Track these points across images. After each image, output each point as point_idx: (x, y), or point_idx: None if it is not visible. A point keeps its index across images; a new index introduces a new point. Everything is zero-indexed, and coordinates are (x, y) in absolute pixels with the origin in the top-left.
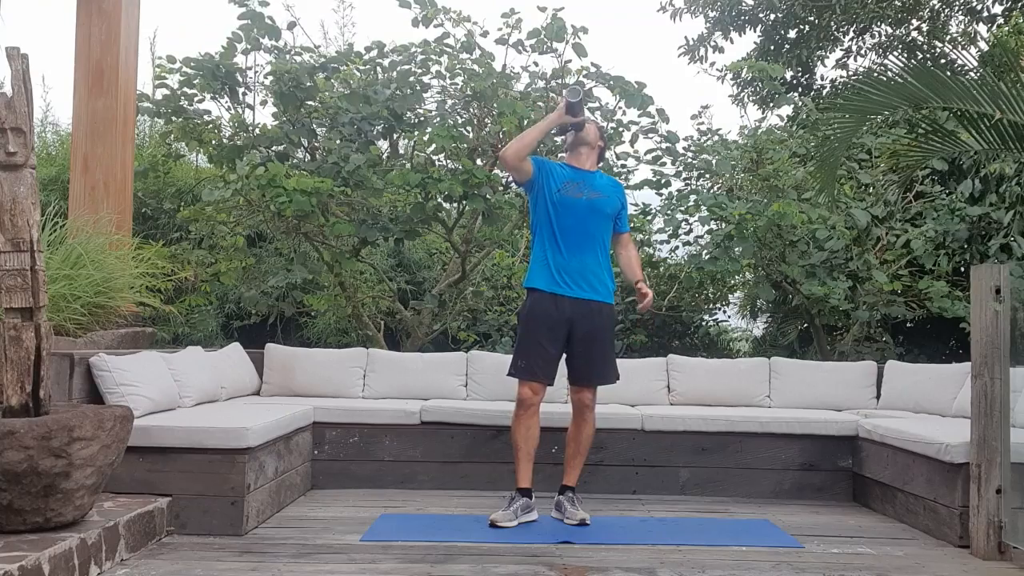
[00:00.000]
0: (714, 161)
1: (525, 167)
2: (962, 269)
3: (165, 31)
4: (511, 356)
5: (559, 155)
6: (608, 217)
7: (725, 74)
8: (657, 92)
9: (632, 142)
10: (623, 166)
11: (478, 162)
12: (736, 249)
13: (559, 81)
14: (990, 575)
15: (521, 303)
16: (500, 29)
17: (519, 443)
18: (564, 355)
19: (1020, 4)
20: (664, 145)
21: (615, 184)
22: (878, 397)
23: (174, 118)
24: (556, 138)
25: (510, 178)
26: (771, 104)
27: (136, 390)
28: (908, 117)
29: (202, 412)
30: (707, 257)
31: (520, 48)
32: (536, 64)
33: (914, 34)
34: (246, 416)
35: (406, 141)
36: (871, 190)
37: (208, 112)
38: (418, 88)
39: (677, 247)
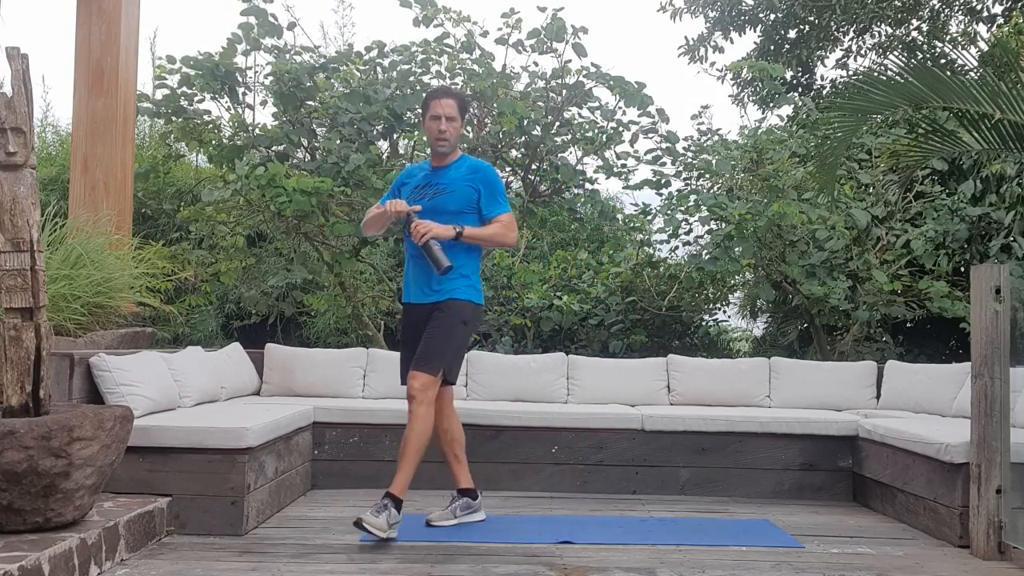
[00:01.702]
0: (714, 161)
1: (380, 226)
2: (962, 269)
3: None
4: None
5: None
6: (455, 213)
7: (725, 74)
8: (657, 92)
9: (632, 142)
10: (623, 166)
11: None
12: (736, 249)
13: (559, 81)
14: (990, 575)
15: (470, 308)
16: (500, 29)
17: (443, 448)
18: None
19: (1020, 4)
20: (664, 145)
21: (476, 168)
22: (878, 397)
23: (174, 118)
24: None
25: (510, 178)
26: (771, 104)
27: (136, 390)
28: (908, 117)
29: (202, 412)
30: (707, 257)
31: (520, 48)
32: (536, 64)
33: (914, 34)
34: (246, 416)
35: (406, 141)
36: (871, 190)
37: (208, 112)
38: (418, 88)
39: (677, 247)
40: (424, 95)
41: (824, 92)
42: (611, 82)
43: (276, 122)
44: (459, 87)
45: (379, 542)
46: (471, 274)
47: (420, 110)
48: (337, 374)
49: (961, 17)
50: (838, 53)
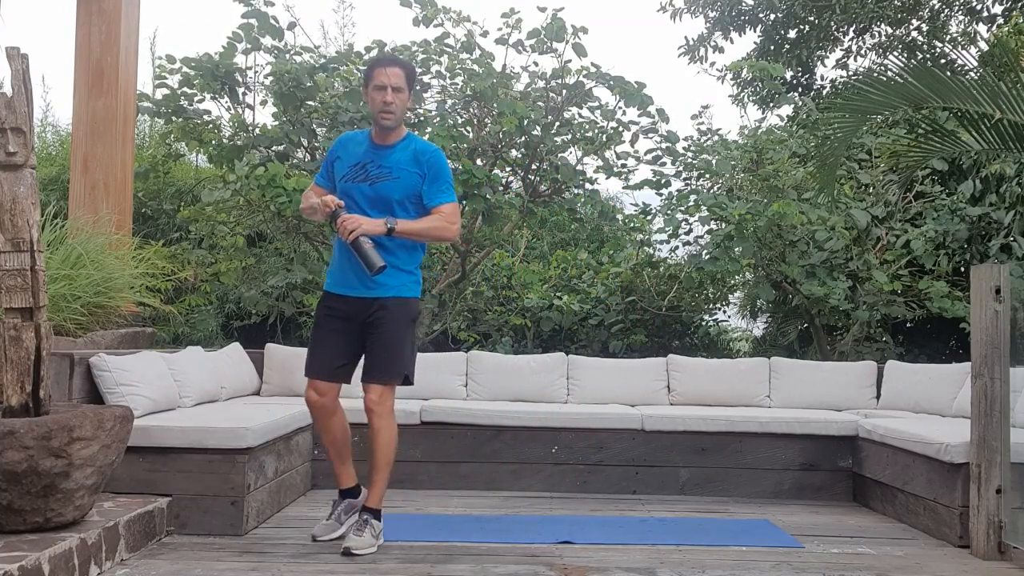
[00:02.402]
0: (714, 161)
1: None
2: (962, 269)
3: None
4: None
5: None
6: (400, 203)
7: (725, 74)
8: (657, 92)
9: (632, 142)
10: (623, 166)
11: (478, 162)
12: (736, 249)
13: (559, 81)
14: (990, 575)
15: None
16: (500, 29)
17: (326, 444)
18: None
19: (1020, 4)
20: (664, 145)
21: (423, 151)
22: (878, 397)
23: (174, 118)
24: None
25: (510, 178)
26: (771, 104)
27: (136, 390)
28: (908, 117)
29: (202, 412)
30: (707, 257)
31: (520, 48)
32: (536, 64)
33: (914, 34)
34: (246, 416)
35: None
36: (871, 190)
37: (208, 112)
38: (418, 88)
39: (677, 247)
40: (367, 66)
41: (824, 92)
42: (611, 82)
43: (276, 122)
44: (459, 87)
45: (386, 542)
46: (415, 269)
47: (364, 83)
48: None
49: (961, 17)
50: (838, 53)
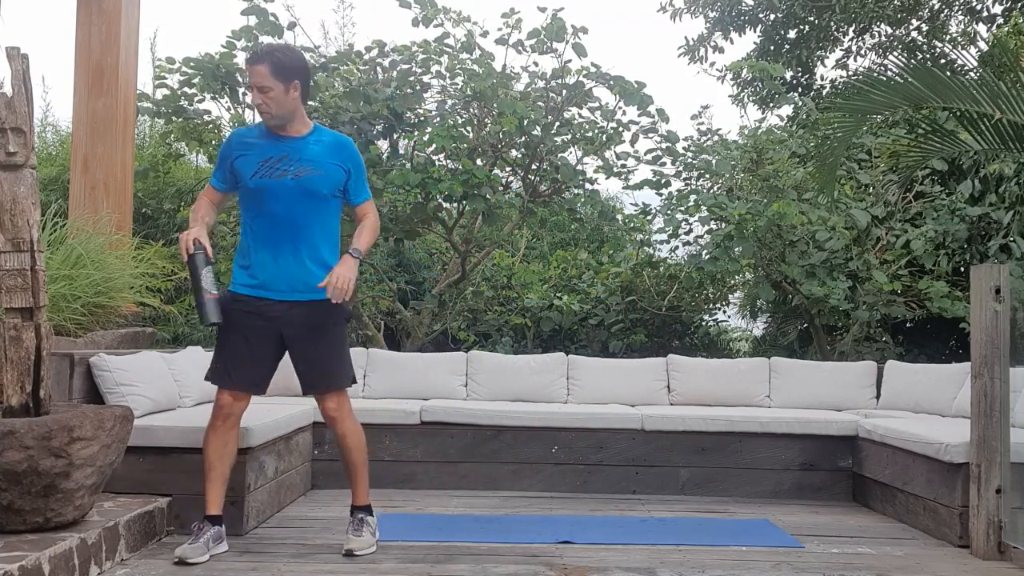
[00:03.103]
0: (714, 161)
1: (218, 199)
2: (962, 269)
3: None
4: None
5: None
6: (327, 197)
7: (725, 74)
8: (657, 92)
9: (632, 142)
10: (623, 166)
11: (478, 162)
12: (736, 249)
13: (559, 81)
14: (990, 575)
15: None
16: (500, 29)
17: (213, 461)
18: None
19: (1020, 4)
20: (664, 145)
21: (342, 145)
22: (878, 397)
23: (174, 118)
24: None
25: (510, 178)
26: (771, 104)
27: (136, 390)
28: (908, 117)
29: (202, 412)
30: (707, 257)
31: (520, 48)
32: (536, 64)
33: (914, 34)
34: (246, 416)
35: (406, 141)
36: (871, 190)
37: (208, 112)
38: (418, 88)
39: (677, 247)
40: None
41: (824, 92)
42: (611, 82)
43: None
44: (459, 87)
45: (378, 541)
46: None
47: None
48: None
49: (961, 17)
50: (838, 53)
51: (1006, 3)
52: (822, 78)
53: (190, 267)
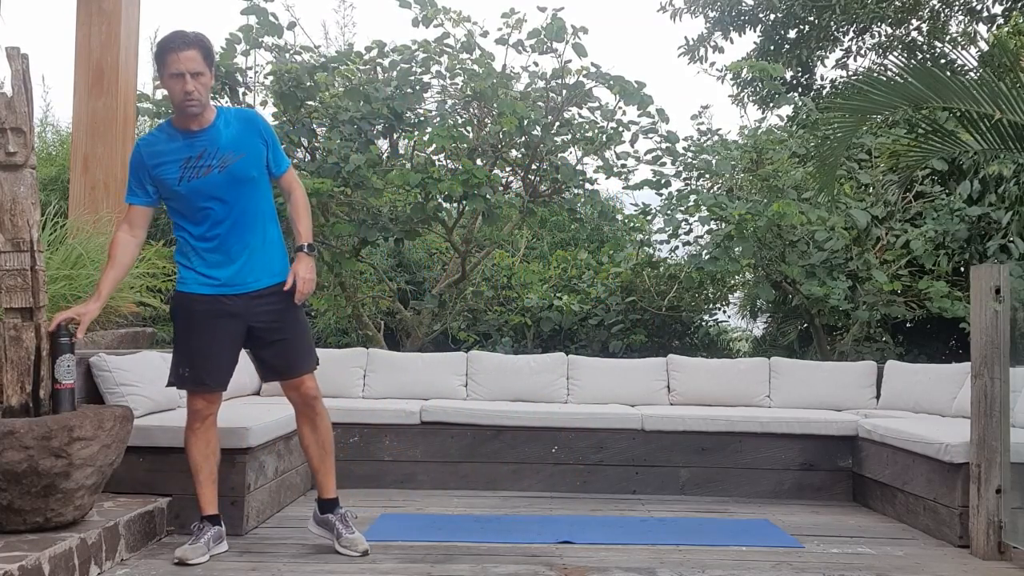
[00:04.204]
0: (714, 161)
1: (143, 216)
2: (962, 269)
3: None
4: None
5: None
6: (257, 179)
7: (725, 74)
8: (657, 92)
9: (632, 142)
10: (623, 166)
11: (478, 162)
12: (736, 249)
13: (559, 81)
14: (990, 575)
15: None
16: (500, 29)
17: (200, 463)
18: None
19: (1020, 4)
20: (664, 145)
21: (250, 119)
22: (878, 397)
23: None
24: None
25: (510, 178)
26: (771, 104)
27: (136, 390)
28: (908, 117)
29: None
30: (707, 257)
31: (520, 48)
32: (536, 64)
33: (914, 34)
34: (246, 416)
35: (406, 141)
36: (871, 190)
37: None
38: (418, 88)
39: (677, 247)
40: (156, 49)
41: (824, 92)
42: (611, 82)
43: (276, 122)
44: (459, 87)
45: (378, 541)
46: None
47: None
48: (337, 374)
49: (961, 17)
50: (838, 53)
51: (1006, 3)
52: (822, 78)
53: (51, 346)
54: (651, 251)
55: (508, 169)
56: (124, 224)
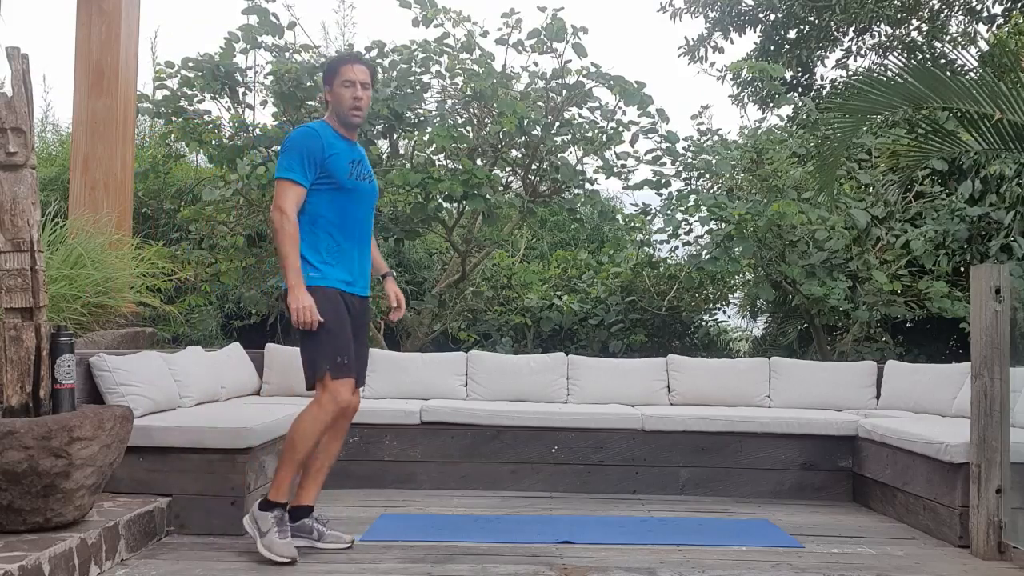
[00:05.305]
0: (714, 161)
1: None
2: (962, 269)
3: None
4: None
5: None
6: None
7: (725, 74)
8: (657, 92)
9: (632, 142)
10: (623, 166)
11: (478, 162)
12: (736, 249)
13: (559, 81)
14: (990, 575)
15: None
16: (500, 29)
17: (318, 453)
18: None
19: (1020, 4)
20: (664, 145)
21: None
22: (878, 397)
23: (174, 118)
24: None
25: (510, 178)
26: (771, 104)
27: (136, 390)
28: (908, 117)
29: (202, 412)
30: (707, 257)
31: (520, 48)
32: (536, 64)
33: (914, 34)
34: (246, 416)
35: (406, 141)
36: (871, 190)
37: (208, 112)
38: (418, 88)
39: (677, 247)
40: (329, 62)
41: (824, 92)
42: (611, 82)
43: (276, 122)
44: (459, 87)
45: (378, 541)
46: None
47: (325, 80)
48: None
49: (961, 17)
50: (838, 53)
51: (1006, 3)
52: (822, 78)
53: (50, 346)
54: (651, 251)
55: (508, 169)
56: (293, 208)
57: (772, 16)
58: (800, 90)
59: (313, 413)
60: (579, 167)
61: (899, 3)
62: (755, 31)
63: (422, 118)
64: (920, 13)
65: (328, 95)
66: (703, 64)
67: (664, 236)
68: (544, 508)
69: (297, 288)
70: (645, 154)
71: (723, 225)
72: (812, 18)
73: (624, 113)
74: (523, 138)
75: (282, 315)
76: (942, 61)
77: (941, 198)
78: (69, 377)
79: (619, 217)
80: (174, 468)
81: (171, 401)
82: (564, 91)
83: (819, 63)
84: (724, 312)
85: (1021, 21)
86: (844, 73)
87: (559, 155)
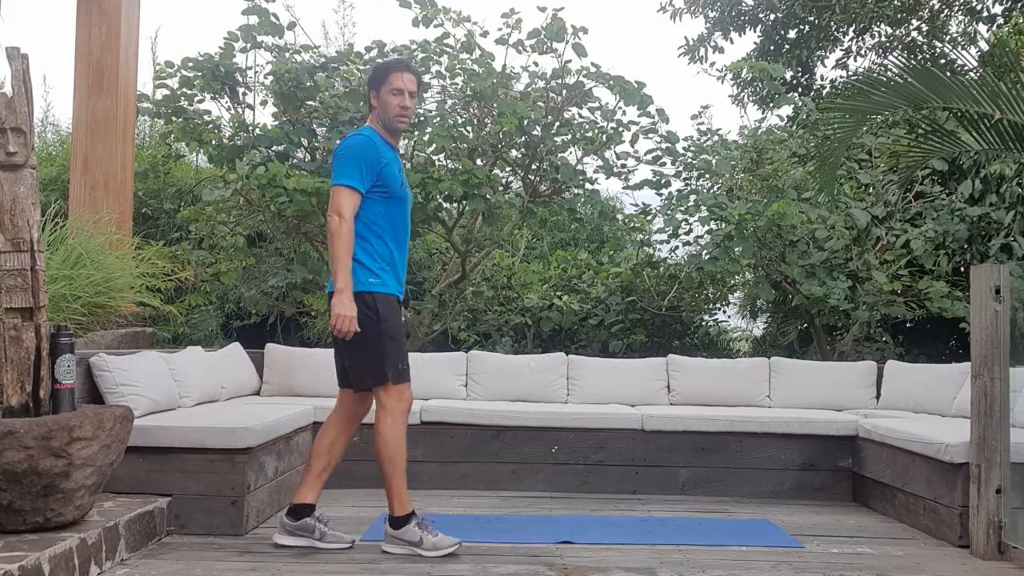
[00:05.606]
0: (714, 161)
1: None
2: (962, 269)
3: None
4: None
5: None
6: None
7: (725, 74)
8: (657, 92)
9: (632, 142)
10: (623, 166)
11: (478, 162)
12: (736, 249)
13: (559, 81)
14: (990, 575)
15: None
16: (500, 29)
17: (404, 455)
18: None
19: (1020, 4)
20: (664, 145)
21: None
22: (878, 397)
23: (174, 118)
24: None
25: (510, 178)
26: (771, 104)
27: (136, 390)
28: (908, 117)
29: (202, 412)
30: (707, 257)
31: (520, 48)
32: (536, 64)
33: (914, 34)
34: (246, 416)
35: (406, 141)
36: (871, 190)
37: (208, 112)
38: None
39: (677, 247)
40: (377, 68)
41: (824, 92)
42: (611, 82)
43: (276, 122)
44: (459, 87)
45: (378, 541)
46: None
47: (369, 85)
48: None
49: (961, 17)
50: (838, 53)
51: (1006, 3)
52: (822, 78)
53: (50, 346)
54: (651, 251)
55: (508, 169)
56: (351, 213)
57: (772, 16)
58: (800, 90)
59: (389, 423)
60: (579, 167)
61: (899, 3)
62: (755, 31)
63: (422, 118)
64: (920, 13)
65: (374, 99)
66: (703, 64)
67: (664, 236)
68: (544, 508)
69: (345, 293)
70: (645, 154)
71: (723, 225)
72: (812, 18)
73: (624, 113)
74: (523, 138)
75: (282, 315)
76: (942, 61)
77: (941, 198)
78: (69, 377)
79: (619, 217)
80: (174, 468)
81: (171, 401)
82: (564, 91)
83: (819, 63)
84: (724, 312)
85: (1021, 21)
86: (844, 73)
87: (559, 155)
